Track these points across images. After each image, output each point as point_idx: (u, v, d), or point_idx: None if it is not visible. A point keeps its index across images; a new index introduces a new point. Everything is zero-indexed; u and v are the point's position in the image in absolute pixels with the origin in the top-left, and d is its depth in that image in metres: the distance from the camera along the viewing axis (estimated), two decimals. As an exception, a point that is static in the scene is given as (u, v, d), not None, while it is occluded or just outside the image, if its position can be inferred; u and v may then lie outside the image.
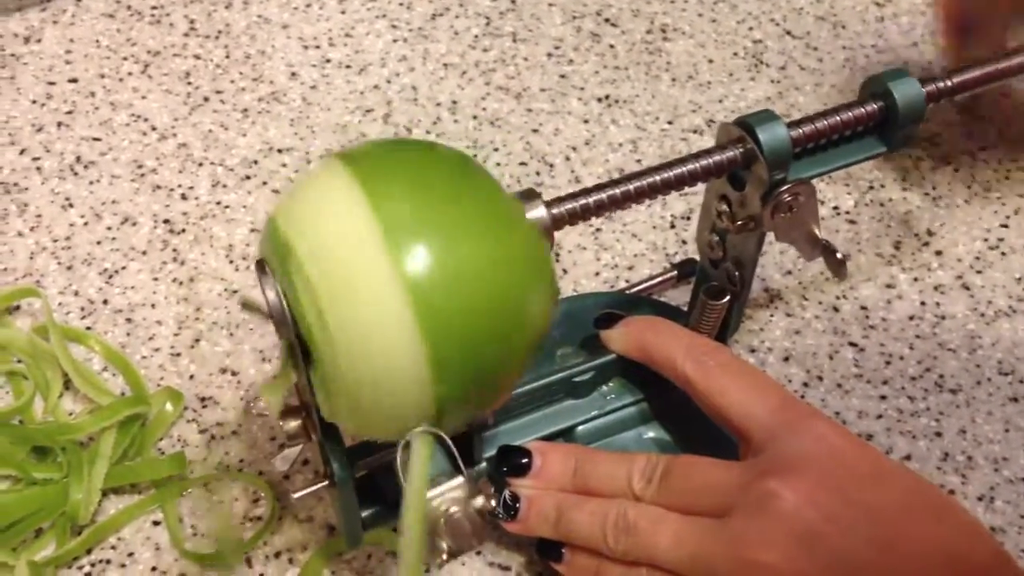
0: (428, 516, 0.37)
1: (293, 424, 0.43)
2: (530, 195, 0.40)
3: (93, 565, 0.49)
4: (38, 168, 0.64)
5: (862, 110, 0.44)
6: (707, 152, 0.43)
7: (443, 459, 0.38)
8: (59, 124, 0.67)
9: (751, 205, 0.44)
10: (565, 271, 0.61)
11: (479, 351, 0.37)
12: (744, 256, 0.47)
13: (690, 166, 0.42)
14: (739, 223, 0.45)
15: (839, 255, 0.46)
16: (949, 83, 0.46)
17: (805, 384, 0.56)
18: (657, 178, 0.42)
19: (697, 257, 0.60)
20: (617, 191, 0.42)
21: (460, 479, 0.38)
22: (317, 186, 0.38)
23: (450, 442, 0.38)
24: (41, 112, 0.67)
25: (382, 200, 0.36)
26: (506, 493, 0.47)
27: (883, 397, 0.56)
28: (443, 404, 0.37)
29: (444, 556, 0.38)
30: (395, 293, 0.35)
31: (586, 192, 0.42)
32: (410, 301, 0.35)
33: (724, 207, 0.46)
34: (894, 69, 0.45)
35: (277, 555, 0.49)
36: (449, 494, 0.37)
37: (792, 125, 0.43)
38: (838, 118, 0.44)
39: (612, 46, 0.74)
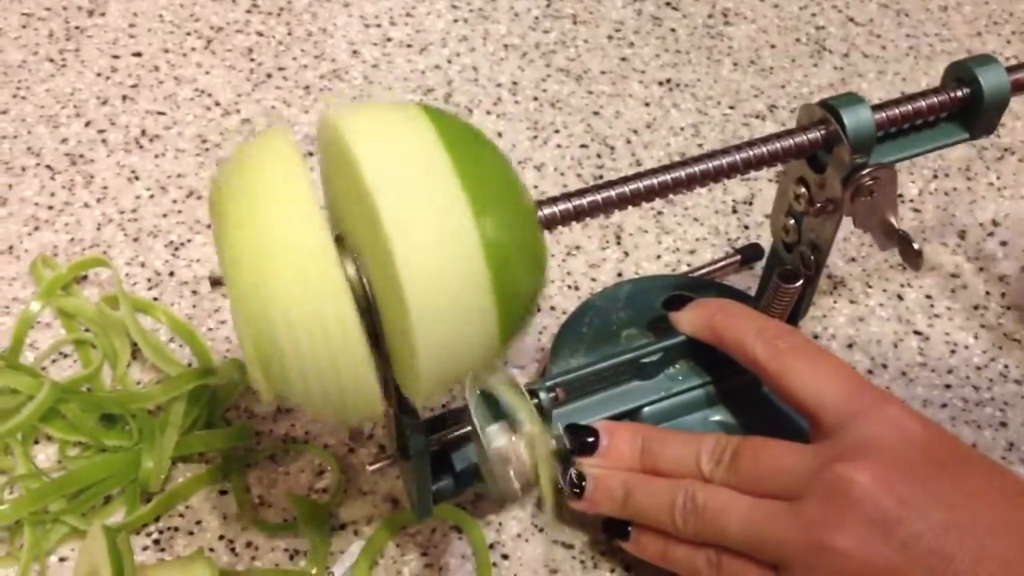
0: (505, 458, 0.38)
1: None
2: None
3: (161, 532, 0.49)
4: (104, 140, 0.65)
5: (947, 96, 0.44)
6: (789, 132, 0.43)
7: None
8: (124, 97, 0.67)
9: (831, 188, 0.44)
10: (627, 253, 0.61)
11: (524, 311, 0.37)
12: (821, 240, 0.47)
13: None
14: (818, 206, 0.45)
15: (916, 245, 0.46)
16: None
17: (869, 371, 0.56)
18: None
19: (761, 242, 0.60)
20: (612, 192, 0.41)
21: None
22: (400, 130, 0.35)
23: (523, 388, 0.39)
24: (106, 85, 0.68)
25: (462, 157, 0.35)
26: (572, 471, 0.47)
27: (948, 386, 0.56)
28: (503, 356, 0.37)
29: (519, 492, 0.38)
30: (475, 246, 0.34)
31: (580, 193, 0.42)
32: (487, 255, 0.34)
33: (802, 190, 0.46)
34: (980, 55, 0.45)
35: (342, 527, 0.50)
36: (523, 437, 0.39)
37: (876, 108, 0.43)
38: (923, 103, 0.44)
39: (673, 30, 0.73)
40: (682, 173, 0.41)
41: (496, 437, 0.39)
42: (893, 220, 0.46)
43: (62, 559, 0.48)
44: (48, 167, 0.63)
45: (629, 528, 0.47)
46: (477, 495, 0.50)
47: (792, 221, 0.48)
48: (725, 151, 0.42)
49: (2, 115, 0.66)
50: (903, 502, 0.40)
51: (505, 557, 0.49)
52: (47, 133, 0.65)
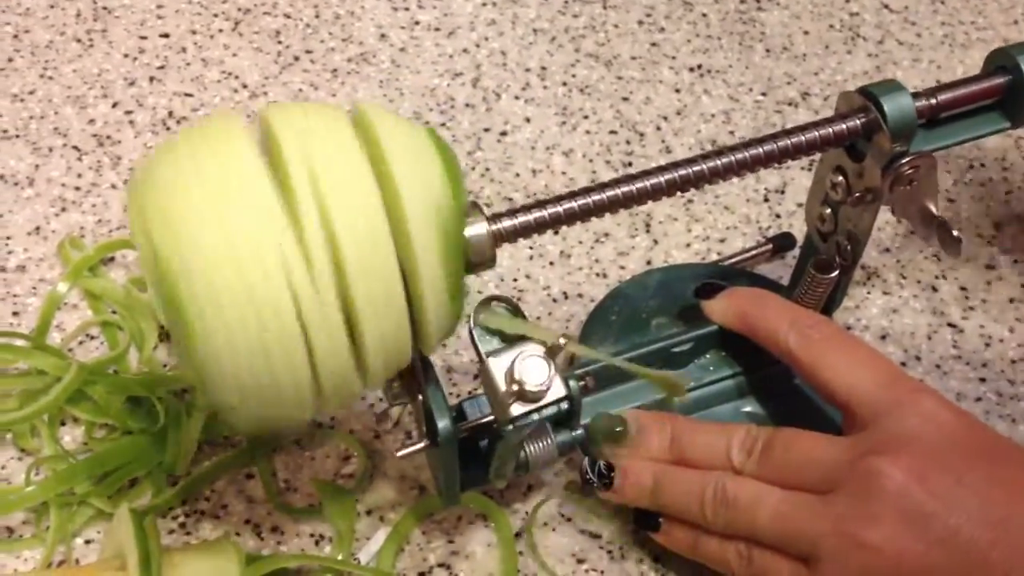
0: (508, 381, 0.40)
1: (397, 384, 0.43)
2: (471, 209, 0.39)
3: (187, 516, 0.49)
4: (131, 122, 0.65)
5: (989, 83, 0.43)
6: (828, 121, 0.42)
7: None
8: (151, 79, 0.67)
9: (870, 177, 0.43)
10: (656, 241, 0.60)
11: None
12: (858, 230, 0.46)
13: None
14: (856, 195, 0.44)
15: (955, 233, 0.45)
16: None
17: (903, 364, 0.55)
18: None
19: (793, 231, 0.59)
20: (560, 208, 0.41)
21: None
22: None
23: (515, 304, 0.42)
24: (133, 66, 0.68)
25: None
26: (601, 462, 0.46)
27: (982, 380, 0.55)
28: None
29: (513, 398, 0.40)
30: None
31: (536, 205, 0.41)
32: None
33: (840, 179, 0.45)
34: (1023, 42, 0.44)
35: (368, 512, 0.49)
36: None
37: (917, 96, 0.42)
38: (964, 90, 0.43)
39: (705, 15, 0.73)
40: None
41: (498, 362, 0.40)
42: (932, 207, 0.45)
43: (88, 541, 0.48)
44: (75, 148, 0.63)
45: (660, 520, 0.46)
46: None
47: (828, 210, 0.47)
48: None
49: (29, 95, 0.65)
50: (937, 496, 0.40)
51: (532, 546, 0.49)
52: (74, 114, 0.65)
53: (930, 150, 0.43)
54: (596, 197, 0.40)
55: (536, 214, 0.40)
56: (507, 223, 0.39)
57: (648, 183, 0.40)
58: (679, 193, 0.41)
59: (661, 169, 0.41)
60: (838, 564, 0.40)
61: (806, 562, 0.41)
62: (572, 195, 0.41)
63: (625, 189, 0.40)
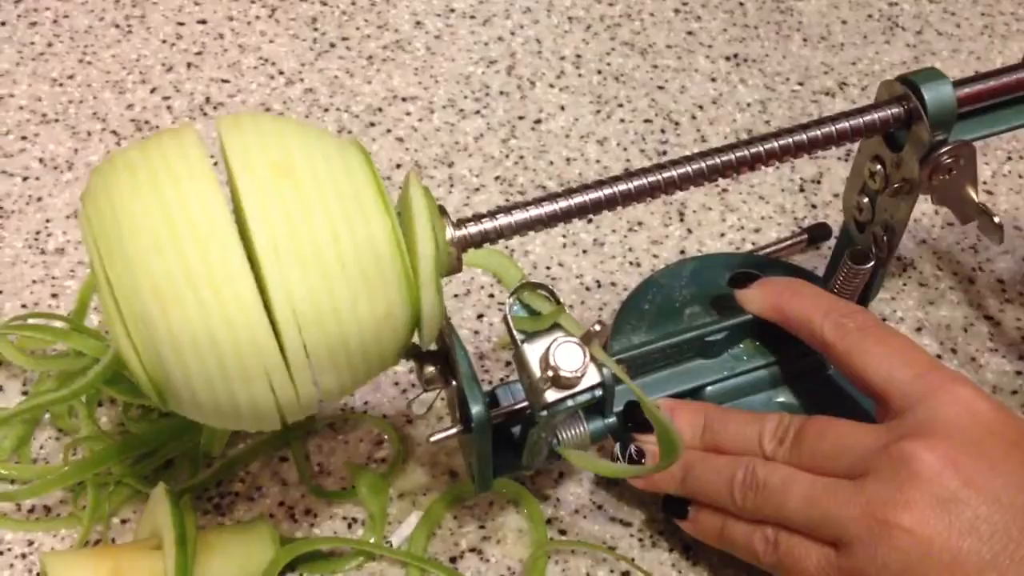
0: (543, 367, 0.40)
1: (431, 370, 0.43)
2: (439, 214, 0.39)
3: (222, 497, 0.49)
4: (168, 107, 0.65)
5: (1030, 72, 0.43)
6: (866, 109, 0.42)
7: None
8: (188, 65, 0.67)
9: (908, 166, 0.43)
10: (690, 231, 0.60)
11: None
12: (895, 220, 0.45)
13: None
14: (894, 185, 0.44)
15: (996, 219, 0.45)
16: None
17: (938, 356, 0.55)
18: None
19: (829, 221, 0.59)
20: (528, 214, 0.40)
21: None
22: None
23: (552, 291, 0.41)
24: (171, 52, 0.68)
25: None
26: (631, 448, 0.47)
27: (1018, 372, 0.54)
28: None
29: (548, 384, 0.39)
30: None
31: (501, 211, 0.40)
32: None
33: (878, 168, 0.45)
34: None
35: (401, 496, 0.50)
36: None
37: (958, 84, 0.42)
38: (1006, 79, 0.42)
39: (742, 4, 0.72)
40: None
41: (533, 348, 0.40)
42: (973, 194, 0.45)
43: (124, 521, 0.49)
44: (114, 132, 0.63)
45: (688, 507, 0.46)
46: (536, 470, 0.50)
47: (866, 200, 0.47)
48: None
49: (68, 80, 0.66)
50: (970, 482, 0.39)
51: (563, 532, 0.49)
52: (113, 99, 0.65)
53: (970, 139, 0.43)
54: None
55: (496, 222, 0.39)
56: (473, 229, 0.39)
57: (634, 183, 0.40)
58: (681, 190, 0.42)
59: (659, 167, 0.41)
60: (868, 547, 0.40)
61: (835, 546, 0.41)
62: (542, 200, 0.40)
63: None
